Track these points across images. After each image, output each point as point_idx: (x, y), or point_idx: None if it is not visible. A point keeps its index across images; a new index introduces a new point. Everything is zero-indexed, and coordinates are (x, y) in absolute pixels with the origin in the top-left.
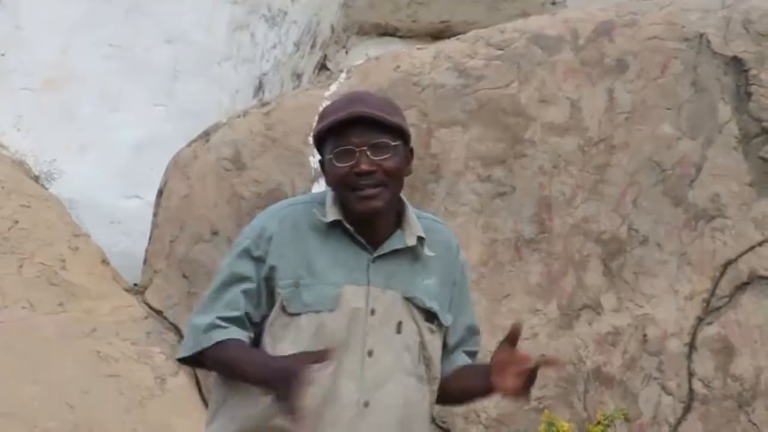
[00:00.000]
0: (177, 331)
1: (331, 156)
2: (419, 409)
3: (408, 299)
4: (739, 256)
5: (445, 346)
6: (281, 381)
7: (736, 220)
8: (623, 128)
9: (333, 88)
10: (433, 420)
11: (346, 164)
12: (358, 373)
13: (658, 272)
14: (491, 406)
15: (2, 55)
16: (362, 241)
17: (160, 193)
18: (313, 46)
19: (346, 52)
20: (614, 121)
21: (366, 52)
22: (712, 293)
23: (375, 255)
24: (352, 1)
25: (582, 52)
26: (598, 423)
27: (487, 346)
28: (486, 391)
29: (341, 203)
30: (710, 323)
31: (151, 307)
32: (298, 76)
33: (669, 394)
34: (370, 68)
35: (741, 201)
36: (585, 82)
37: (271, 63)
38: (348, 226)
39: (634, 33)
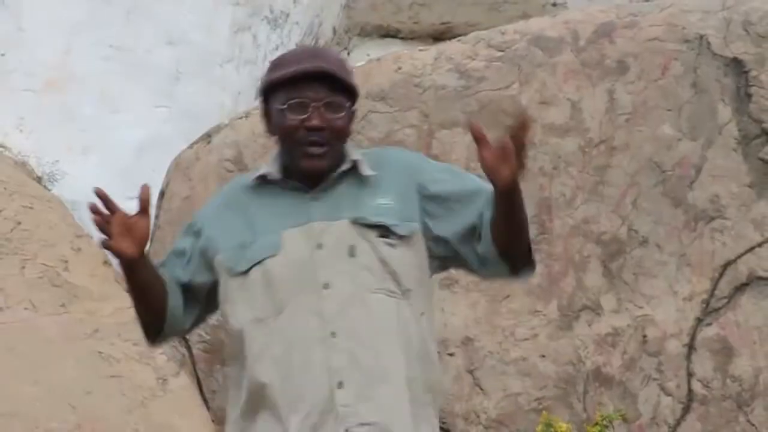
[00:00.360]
0: None
1: (284, 107)
2: (393, 321)
3: (354, 222)
4: (739, 257)
5: (474, 229)
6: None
7: (735, 221)
8: (624, 129)
9: None
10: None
11: (298, 117)
12: (317, 307)
13: (658, 273)
14: (491, 406)
15: (2, 55)
16: (297, 184)
17: (161, 194)
18: None
19: (348, 54)
20: (615, 123)
21: (367, 53)
22: (712, 294)
23: (314, 192)
24: (354, 3)
25: (582, 54)
26: (596, 424)
27: (487, 346)
28: (497, 202)
29: (284, 155)
30: (709, 324)
31: None
32: None
33: (668, 394)
34: (371, 69)
35: (740, 202)
36: (585, 83)
37: None
38: (277, 176)
39: (635, 34)
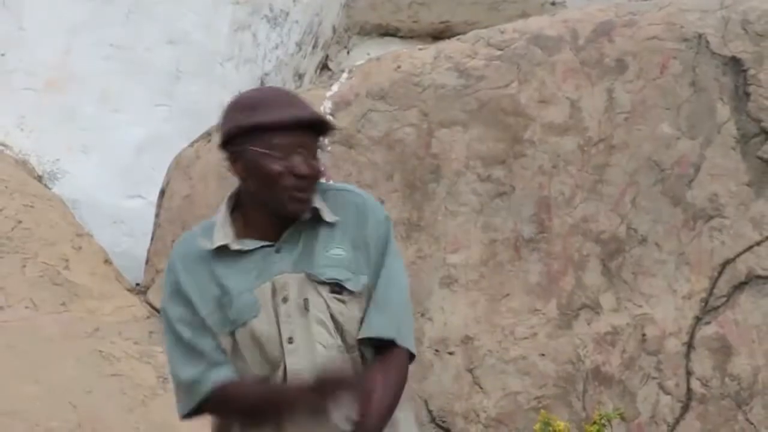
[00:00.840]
0: None
1: (268, 152)
2: None
3: (309, 275)
4: (738, 255)
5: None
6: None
7: (734, 220)
8: (622, 128)
9: (335, 88)
10: (432, 419)
11: (286, 162)
12: (280, 361)
13: (657, 272)
14: (491, 405)
15: (2, 55)
16: (258, 245)
17: (162, 193)
18: (314, 47)
19: (348, 53)
20: (613, 121)
21: (367, 52)
22: (710, 293)
23: (278, 243)
24: (354, 2)
25: (581, 53)
26: (594, 423)
27: (486, 345)
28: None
29: (261, 197)
30: (708, 323)
31: (153, 307)
32: (300, 77)
33: (667, 393)
34: (371, 68)
35: (739, 201)
36: (584, 82)
37: (273, 63)
38: (237, 246)
39: (634, 33)
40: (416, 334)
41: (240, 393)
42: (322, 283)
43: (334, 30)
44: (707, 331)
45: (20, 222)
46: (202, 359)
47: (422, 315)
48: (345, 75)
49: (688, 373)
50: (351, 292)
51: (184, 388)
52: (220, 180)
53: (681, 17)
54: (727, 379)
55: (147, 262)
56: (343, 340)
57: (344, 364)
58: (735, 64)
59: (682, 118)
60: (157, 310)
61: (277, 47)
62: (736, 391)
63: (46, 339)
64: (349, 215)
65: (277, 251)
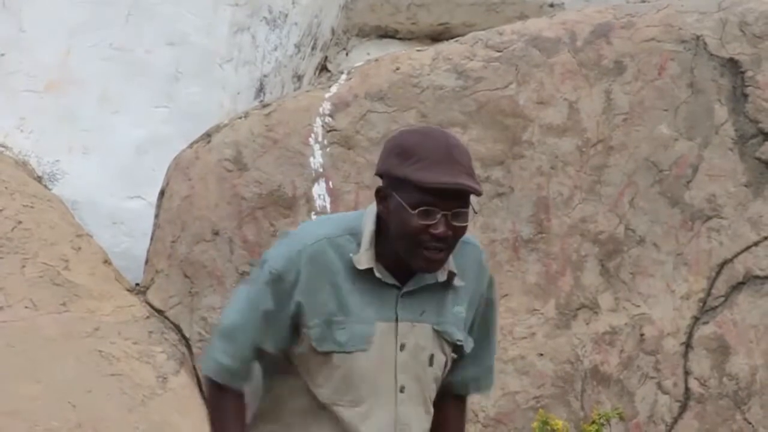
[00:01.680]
0: (178, 330)
1: (411, 206)
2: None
3: (438, 332)
4: (735, 256)
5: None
6: None
7: (732, 221)
8: (621, 129)
9: (333, 89)
10: None
11: (425, 221)
12: (392, 409)
13: (655, 272)
14: (489, 405)
15: (2, 55)
16: (392, 282)
17: (161, 193)
18: (313, 48)
19: (347, 54)
20: (612, 122)
21: (366, 53)
22: (708, 293)
23: (404, 291)
24: (353, 4)
25: (580, 54)
26: (593, 422)
27: None
28: None
29: (391, 246)
30: (706, 323)
31: (152, 307)
32: (299, 78)
33: (665, 393)
34: (370, 70)
35: (737, 201)
36: (583, 83)
37: (272, 65)
38: (379, 275)
39: (632, 35)
40: None
41: (221, 412)
42: (448, 342)
43: (333, 32)
44: (705, 331)
45: (20, 222)
46: (239, 354)
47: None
48: (344, 76)
49: (686, 373)
50: (462, 354)
51: (213, 352)
52: (219, 181)
53: (679, 19)
54: (725, 379)
55: (146, 262)
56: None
57: None
58: (733, 65)
59: (680, 119)
60: (157, 311)
61: (276, 49)
62: (734, 390)
63: (45, 339)
64: (471, 272)
65: (404, 296)
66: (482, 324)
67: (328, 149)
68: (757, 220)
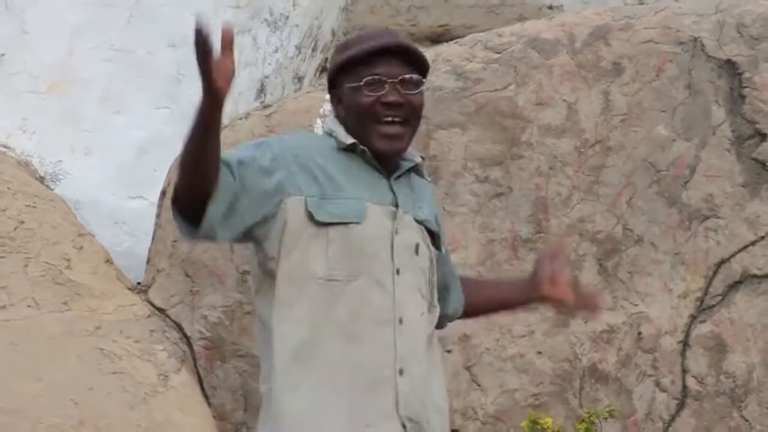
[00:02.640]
0: (179, 329)
1: (359, 84)
2: (429, 331)
3: (420, 222)
4: (732, 255)
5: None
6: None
7: (729, 220)
8: (619, 130)
9: None
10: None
11: (374, 93)
12: (390, 288)
13: (653, 271)
14: (488, 402)
15: (3, 55)
16: (378, 166)
17: (163, 193)
18: (314, 50)
19: None
20: (610, 123)
21: None
22: (706, 292)
23: (393, 177)
24: (353, 6)
25: (578, 56)
26: (582, 420)
27: (484, 343)
28: (524, 301)
29: (356, 136)
30: (703, 321)
31: (154, 306)
32: (300, 79)
33: (663, 390)
34: None
35: (734, 201)
36: (581, 84)
37: (272, 66)
38: (366, 149)
39: (630, 37)
40: None
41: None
42: (429, 232)
43: (334, 33)
44: (702, 329)
45: (22, 222)
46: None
47: None
48: None
49: (684, 371)
50: (438, 250)
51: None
52: None
53: (676, 21)
54: (722, 377)
55: (148, 261)
56: (431, 296)
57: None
58: (730, 67)
59: (677, 120)
60: (158, 309)
61: (276, 50)
62: (731, 388)
63: (48, 337)
64: (426, 181)
65: (393, 185)
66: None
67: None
68: (754, 219)
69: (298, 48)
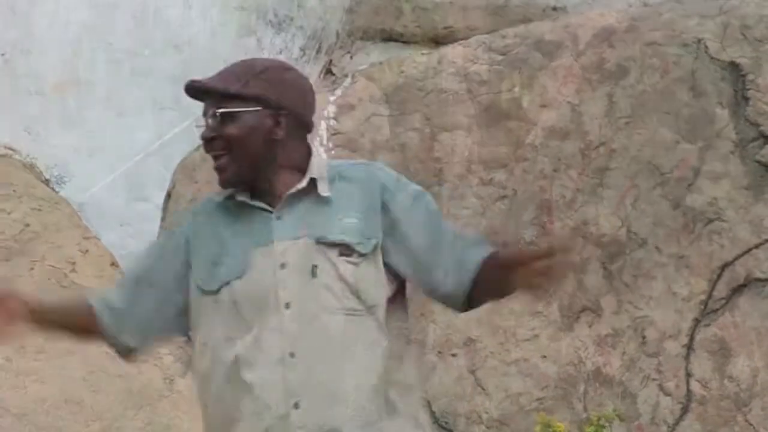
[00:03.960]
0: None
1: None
2: (357, 341)
3: (319, 241)
4: (736, 258)
5: (421, 264)
6: None
7: (733, 224)
8: (623, 132)
9: (338, 92)
10: (435, 420)
11: (201, 130)
12: (278, 327)
13: (657, 274)
14: (493, 406)
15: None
16: (259, 204)
17: (168, 196)
18: (318, 52)
19: (351, 57)
20: (614, 126)
21: (371, 56)
22: (710, 295)
23: (277, 211)
24: (357, 7)
25: (582, 58)
26: (592, 424)
27: (489, 347)
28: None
29: None
30: (708, 325)
31: None
32: None
33: (667, 394)
34: (374, 73)
35: (738, 204)
36: (585, 86)
37: None
38: (241, 197)
39: (634, 39)
40: (419, 336)
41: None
42: (331, 246)
43: (338, 35)
44: (707, 333)
45: (28, 225)
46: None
47: (425, 317)
48: (349, 80)
49: (688, 375)
50: (362, 254)
51: None
52: None
53: (681, 23)
54: (726, 381)
55: None
56: (359, 300)
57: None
58: (734, 69)
59: (681, 122)
60: None
61: (281, 52)
62: (736, 392)
63: (53, 340)
64: (357, 185)
65: (278, 218)
66: (414, 224)
67: (332, 152)
68: (757, 222)
69: (303, 50)
